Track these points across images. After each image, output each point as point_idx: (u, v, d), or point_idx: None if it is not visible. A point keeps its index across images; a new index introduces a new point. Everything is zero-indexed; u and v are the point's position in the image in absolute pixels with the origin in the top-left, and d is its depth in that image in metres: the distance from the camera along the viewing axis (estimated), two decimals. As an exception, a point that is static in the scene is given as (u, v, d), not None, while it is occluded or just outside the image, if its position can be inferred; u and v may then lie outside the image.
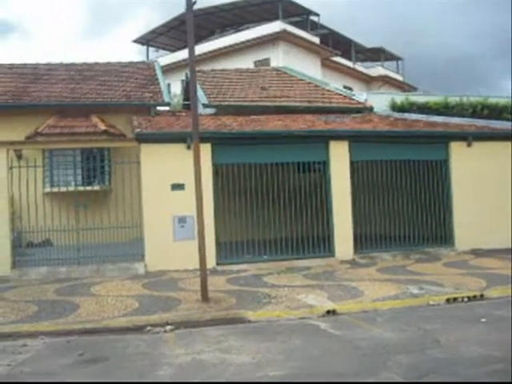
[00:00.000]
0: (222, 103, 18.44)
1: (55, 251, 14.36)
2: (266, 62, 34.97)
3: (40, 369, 7.28)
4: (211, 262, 12.81)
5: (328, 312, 9.66)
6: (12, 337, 8.82)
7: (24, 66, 21.56)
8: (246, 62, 33.19)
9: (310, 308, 9.95)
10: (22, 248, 15.01)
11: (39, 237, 14.84)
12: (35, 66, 21.45)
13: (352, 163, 15.42)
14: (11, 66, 21.42)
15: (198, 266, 11.05)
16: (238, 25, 39.29)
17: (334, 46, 41.18)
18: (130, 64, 22.39)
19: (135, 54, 62.06)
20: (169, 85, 22.99)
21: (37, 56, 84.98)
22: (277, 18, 36.13)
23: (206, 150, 13.25)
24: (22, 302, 10.99)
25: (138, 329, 9.05)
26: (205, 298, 10.49)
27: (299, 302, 10.35)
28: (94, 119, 16.93)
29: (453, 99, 22.38)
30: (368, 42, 45.37)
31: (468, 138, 16.27)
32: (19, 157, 15.84)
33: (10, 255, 13.86)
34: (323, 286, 11.79)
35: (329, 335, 8.41)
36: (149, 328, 9.03)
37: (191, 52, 11.05)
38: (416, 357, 7.08)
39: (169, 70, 35.08)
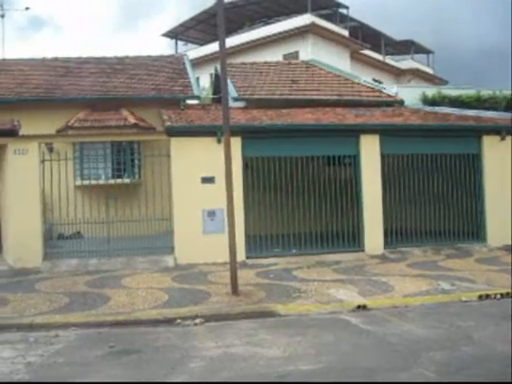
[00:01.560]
0: (252, 96, 18.38)
1: (86, 243, 14.50)
2: (295, 55, 34.80)
3: (72, 360, 7.34)
4: (241, 255, 12.78)
5: (358, 307, 9.58)
6: (44, 328, 8.92)
7: (55, 60, 21.73)
8: (275, 55, 33.05)
9: (341, 303, 9.91)
10: (53, 240, 15.16)
11: (70, 229, 14.98)
12: (66, 60, 21.59)
13: (383, 157, 15.28)
14: (43, 60, 21.62)
15: (227, 260, 11.04)
16: (267, 18, 39.14)
17: (364, 38, 40.84)
18: (160, 57, 22.42)
19: (165, 47, 62.25)
20: (198, 78, 22.98)
21: (68, 50, 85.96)
22: (306, 11, 35.91)
23: (236, 143, 13.23)
24: (54, 293, 11.10)
25: (169, 321, 9.08)
26: (235, 291, 10.49)
27: (329, 297, 10.31)
28: (125, 112, 17.01)
29: (485, 92, 22.03)
30: (398, 34, 44.93)
31: (501, 131, 15.98)
32: (50, 150, 15.98)
33: (42, 247, 14.03)
34: (353, 280, 11.72)
35: (360, 330, 8.34)
36: (179, 321, 9.05)
37: (222, 45, 11.02)
38: (448, 353, 6.99)
39: (197, 63, 35.12)
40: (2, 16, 30.06)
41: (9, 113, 16.03)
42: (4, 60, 22.42)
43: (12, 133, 14.10)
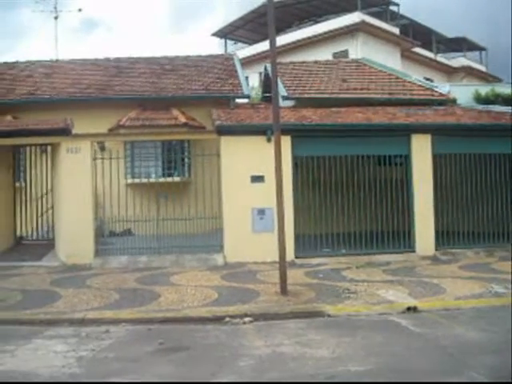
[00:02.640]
0: (302, 96, 18.32)
1: (136, 241, 14.67)
2: (344, 53, 34.55)
3: (123, 355, 7.41)
4: (290, 254, 12.72)
5: (408, 309, 9.38)
6: (95, 323, 9.04)
7: (107, 60, 22.11)
8: (324, 54, 32.89)
9: (390, 304, 9.75)
10: (104, 237, 15.39)
11: (121, 226, 15.19)
12: (118, 61, 21.95)
13: (434, 157, 15.00)
14: (95, 61, 22.01)
15: (276, 259, 11.01)
16: (316, 16, 38.96)
17: (414, 36, 40.21)
18: (210, 57, 22.56)
19: (214, 47, 62.71)
20: (247, 77, 23.02)
21: (119, 51, 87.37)
22: (356, 9, 35.61)
23: (286, 142, 13.18)
24: (105, 289, 11.27)
25: (218, 319, 9.08)
26: (284, 290, 10.44)
27: (379, 298, 10.16)
28: (175, 112, 17.16)
29: (543, 90, 21.40)
30: (450, 31, 44.10)
31: (559, 130, 15.50)
32: (102, 148, 16.22)
33: (93, 244, 14.26)
34: (403, 281, 11.53)
35: (410, 332, 8.19)
36: (228, 319, 9.04)
37: (272, 44, 10.98)
38: (501, 357, 6.78)
39: (246, 62, 35.16)
40: (56, 18, 30.81)
41: (62, 112, 16.39)
42: (57, 61, 22.95)
43: (65, 132, 14.37)
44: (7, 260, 14.72)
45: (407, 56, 39.72)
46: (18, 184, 17.49)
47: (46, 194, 17.48)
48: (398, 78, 20.68)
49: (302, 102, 17.95)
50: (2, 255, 15.22)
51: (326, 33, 36.11)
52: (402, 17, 39.59)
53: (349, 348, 7.37)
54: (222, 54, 26.77)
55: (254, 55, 38.06)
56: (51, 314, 9.45)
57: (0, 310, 9.81)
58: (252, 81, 33.24)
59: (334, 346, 7.46)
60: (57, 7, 30.93)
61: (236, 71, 20.14)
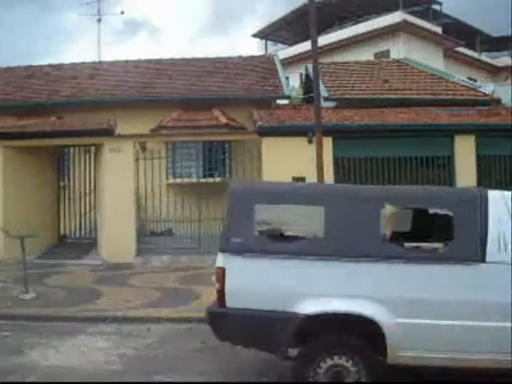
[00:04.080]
0: (343, 96, 18.20)
1: (176, 240, 14.78)
2: (385, 53, 34.17)
3: (164, 353, 7.51)
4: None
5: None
6: (137, 321, 9.20)
7: (149, 61, 22.34)
8: (365, 54, 32.58)
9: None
10: (146, 237, 15.54)
11: (161, 226, 15.32)
12: (159, 62, 22.16)
13: (478, 158, 14.72)
14: (137, 62, 22.27)
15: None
16: (357, 16, 38.65)
17: (458, 35, 39.49)
18: (251, 58, 22.58)
19: (255, 48, 62.84)
20: (287, 78, 22.97)
21: (162, 52, 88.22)
22: (397, 8, 35.21)
23: (327, 143, 13.09)
24: (146, 288, 11.41)
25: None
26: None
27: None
28: (216, 112, 17.21)
29: None
30: (494, 30, 43.24)
31: None
32: (144, 149, 16.37)
33: (135, 243, 14.43)
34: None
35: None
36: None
37: (314, 44, 10.99)
38: None
39: (287, 63, 35.07)
40: (99, 20, 31.26)
41: (105, 113, 16.62)
42: (100, 62, 23.29)
43: (108, 132, 14.59)
44: (51, 258, 14.99)
45: (450, 55, 39.09)
46: (62, 183, 17.78)
47: (89, 193, 17.74)
48: (440, 78, 20.37)
49: (343, 103, 17.82)
50: (47, 253, 15.50)
51: (367, 33, 35.78)
52: (445, 16, 38.94)
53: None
54: (263, 55, 26.80)
55: (294, 56, 37.93)
56: (94, 312, 9.64)
57: (44, 307, 10.03)
58: (292, 81, 33.16)
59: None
60: (100, 10, 31.33)
61: (277, 72, 20.11)
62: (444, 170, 15.20)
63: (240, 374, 6.61)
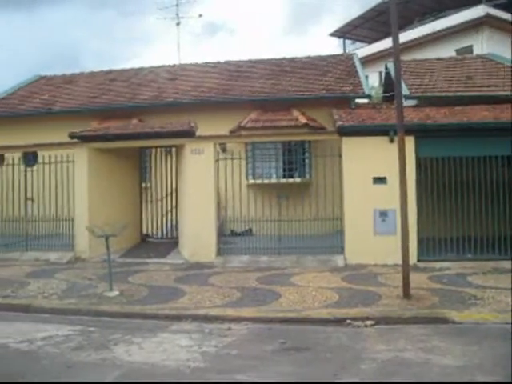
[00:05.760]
0: (425, 94, 17.74)
1: (256, 241, 14.80)
2: (468, 49, 33.12)
3: (245, 353, 7.50)
4: (412, 258, 12.29)
5: (541, 318, 8.80)
6: (218, 320, 9.21)
7: (227, 63, 22.58)
8: (446, 51, 31.70)
9: (521, 312, 9.19)
10: (226, 236, 15.65)
11: (241, 226, 15.40)
12: (237, 63, 22.37)
13: None
14: (216, 64, 22.55)
15: (397, 262, 10.76)
16: (437, 12, 37.68)
17: (547, 29, 37.91)
18: (329, 57, 22.45)
19: (333, 47, 62.38)
20: (366, 77, 22.64)
21: (240, 53, 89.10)
22: (479, 2, 34.08)
23: (409, 142, 12.74)
24: (227, 287, 11.45)
25: (338, 321, 8.96)
26: (406, 294, 10.14)
27: (508, 306, 9.59)
28: (295, 113, 17.18)
29: None
30: None
31: None
32: (223, 150, 16.52)
33: (216, 243, 14.54)
34: (534, 289, 10.84)
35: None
36: (349, 321, 8.91)
37: (395, 42, 10.69)
38: None
39: (365, 61, 34.58)
40: (178, 24, 31.83)
41: (185, 114, 16.92)
42: (180, 65, 23.72)
43: (189, 133, 14.78)
44: (134, 257, 15.34)
45: (539, 51, 37.55)
46: (143, 184, 18.18)
47: (171, 193, 18.05)
48: (528, 73, 19.55)
49: (424, 101, 17.37)
50: (129, 252, 15.88)
51: (448, 28, 34.77)
52: (533, 8, 37.46)
53: (475, 357, 7.01)
54: (342, 54, 26.57)
55: (373, 54, 37.39)
56: (176, 310, 9.74)
57: (127, 304, 10.25)
58: (371, 80, 32.69)
59: (460, 354, 7.14)
60: (178, 14, 31.89)
61: (356, 71, 19.90)
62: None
63: (322, 373, 6.50)
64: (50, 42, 77.99)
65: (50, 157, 15.44)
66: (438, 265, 13.47)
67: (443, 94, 17.80)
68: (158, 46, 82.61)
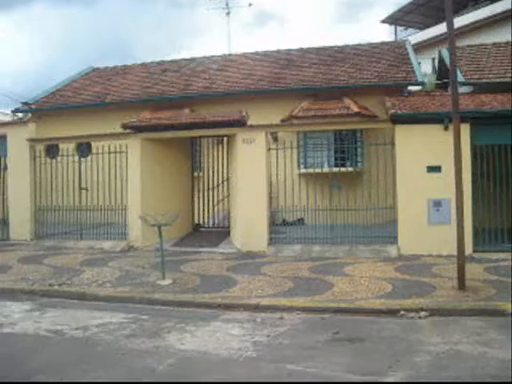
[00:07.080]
0: (480, 80, 17.28)
1: (308, 230, 14.74)
2: (526, 34, 32.16)
3: (297, 342, 7.48)
4: (467, 248, 12.00)
5: None
6: (270, 309, 9.23)
7: (278, 52, 22.49)
8: (503, 35, 30.79)
9: None
10: (277, 226, 15.64)
11: (293, 215, 15.35)
12: (288, 52, 22.24)
13: None
14: (266, 53, 22.48)
15: (452, 252, 10.58)
16: (492, -4, 36.65)
17: None
18: (381, 44, 22.12)
19: (384, 34, 61.53)
20: (419, 64, 22.20)
21: (292, 42, 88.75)
22: (541, -17, 32.98)
23: (464, 130, 12.44)
24: (279, 277, 11.45)
25: (392, 312, 8.86)
26: (461, 285, 9.94)
27: None
28: (347, 101, 16.98)
29: None
30: None
31: None
32: (275, 139, 16.47)
33: (267, 232, 14.54)
34: None
35: None
36: (402, 312, 8.80)
37: (450, 27, 10.42)
38: None
39: (418, 48, 33.96)
40: (228, 14, 31.91)
41: (236, 104, 16.95)
42: (230, 55, 23.75)
43: (241, 123, 14.79)
44: (186, 246, 15.51)
45: None
46: (195, 174, 18.31)
47: (222, 182, 18.14)
48: None
49: (480, 88, 16.93)
50: (182, 241, 16.06)
51: (504, 12, 33.78)
52: None
53: (535, 351, 6.82)
54: (394, 41, 26.17)
55: (425, 40, 36.67)
56: (228, 299, 9.80)
57: (180, 293, 10.35)
58: (424, 67, 32.04)
59: (519, 347, 6.96)
60: (228, 4, 31.99)
61: (409, 58, 19.53)
62: None
63: (376, 365, 6.43)
64: (104, 35, 79.35)
65: (103, 147, 15.74)
66: (494, 256, 13.13)
67: (500, 79, 17.30)
68: (208, 37, 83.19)
